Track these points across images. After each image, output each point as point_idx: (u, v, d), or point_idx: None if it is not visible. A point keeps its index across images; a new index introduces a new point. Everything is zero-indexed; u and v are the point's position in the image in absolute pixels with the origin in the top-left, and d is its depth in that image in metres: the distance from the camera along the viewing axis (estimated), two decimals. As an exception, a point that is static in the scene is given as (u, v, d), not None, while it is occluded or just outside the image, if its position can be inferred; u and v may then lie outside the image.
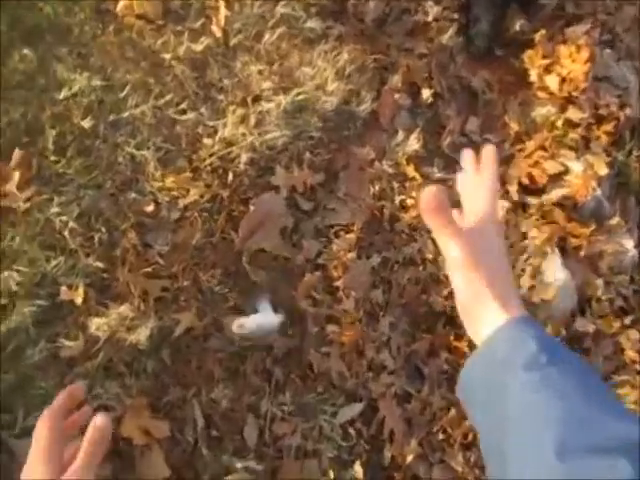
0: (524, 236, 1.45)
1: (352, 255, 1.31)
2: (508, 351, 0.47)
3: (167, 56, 1.29)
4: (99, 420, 0.58)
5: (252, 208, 1.25)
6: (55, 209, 1.13)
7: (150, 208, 1.19)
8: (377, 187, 1.38)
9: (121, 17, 1.29)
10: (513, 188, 1.47)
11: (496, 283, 0.52)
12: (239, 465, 1.11)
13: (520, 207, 1.47)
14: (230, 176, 1.26)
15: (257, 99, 1.32)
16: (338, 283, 1.28)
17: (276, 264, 1.26)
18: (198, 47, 1.31)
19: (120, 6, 1.29)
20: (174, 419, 1.11)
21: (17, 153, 1.14)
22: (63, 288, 1.09)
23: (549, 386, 0.44)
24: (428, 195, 0.51)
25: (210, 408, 1.13)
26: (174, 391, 1.12)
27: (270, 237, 1.26)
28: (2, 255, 1.09)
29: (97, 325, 1.09)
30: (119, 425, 1.07)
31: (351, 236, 1.33)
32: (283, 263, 1.27)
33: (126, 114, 1.22)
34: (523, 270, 1.42)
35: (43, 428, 0.58)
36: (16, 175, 1.12)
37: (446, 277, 1.37)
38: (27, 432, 1.03)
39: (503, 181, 1.49)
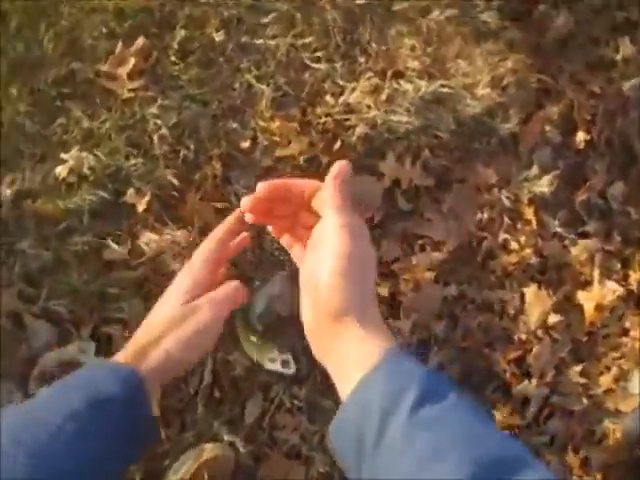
0: (625, 332, 1.25)
1: (429, 275, 1.17)
2: (387, 398, 0.39)
3: (324, -3, 1.19)
4: (236, 285, 0.54)
5: (346, 185, 1.14)
6: (154, 110, 1.07)
7: (245, 145, 1.10)
8: (485, 215, 1.23)
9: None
10: (635, 276, 1.27)
11: (364, 290, 0.45)
12: (226, 437, 1.03)
13: (635, 300, 1.26)
14: (338, 144, 1.15)
15: (397, 75, 1.20)
16: (403, 298, 1.15)
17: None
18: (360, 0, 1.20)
19: None
20: (184, 363, 1.04)
21: (141, 40, 1.09)
22: (131, 190, 1.04)
23: (434, 432, 0.37)
24: (342, 167, 0.48)
25: (222, 368, 1.06)
26: (195, 336, 1.05)
27: (352, 222, 1.15)
28: (88, 134, 1.05)
29: (148, 240, 1.03)
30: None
31: (437, 255, 1.19)
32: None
33: (260, 41, 1.14)
34: (608, 368, 1.23)
35: (199, 259, 0.55)
36: (131, 62, 1.07)
37: (520, 340, 1.21)
38: (44, 315, 1.00)
39: (626, 264, 1.29)
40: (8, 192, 0.99)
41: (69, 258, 1.01)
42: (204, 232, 1.07)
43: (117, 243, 1.02)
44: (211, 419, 1.03)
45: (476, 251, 1.23)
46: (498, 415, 1.16)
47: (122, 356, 0.50)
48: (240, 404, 1.06)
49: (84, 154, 1.02)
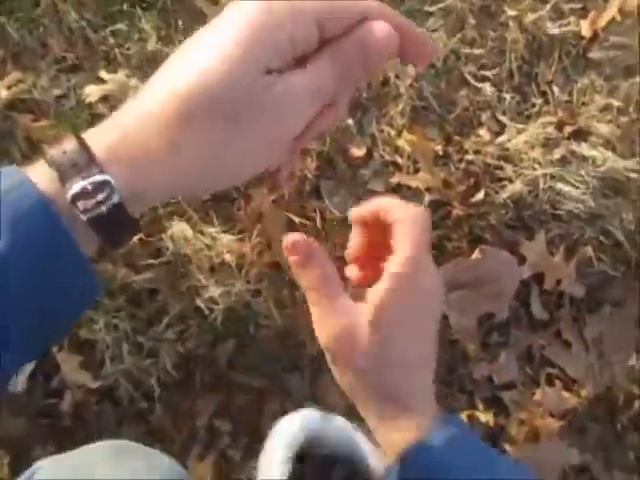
0: None
1: (553, 425, 0.77)
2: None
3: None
4: None
5: (476, 254, 0.78)
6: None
7: (358, 152, 0.76)
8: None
9: None
10: None
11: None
12: None
13: None
14: (479, 195, 0.80)
15: (578, 136, 0.86)
16: (507, 446, 0.75)
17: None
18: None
19: None
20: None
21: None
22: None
23: None
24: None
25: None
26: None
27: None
28: (149, 59, 0.71)
29: (178, 233, 0.66)
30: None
31: (568, 397, 0.80)
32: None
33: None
34: None
35: None
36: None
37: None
38: None
39: None
40: (4, 93, 0.64)
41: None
42: (261, 250, 0.70)
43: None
44: None
45: (618, 411, 0.84)
46: None
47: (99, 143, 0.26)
48: None
49: (133, 82, 0.68)
